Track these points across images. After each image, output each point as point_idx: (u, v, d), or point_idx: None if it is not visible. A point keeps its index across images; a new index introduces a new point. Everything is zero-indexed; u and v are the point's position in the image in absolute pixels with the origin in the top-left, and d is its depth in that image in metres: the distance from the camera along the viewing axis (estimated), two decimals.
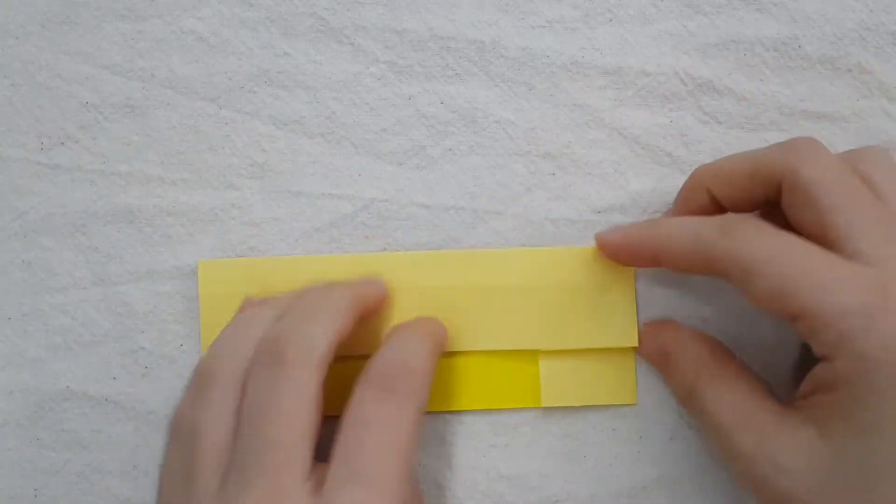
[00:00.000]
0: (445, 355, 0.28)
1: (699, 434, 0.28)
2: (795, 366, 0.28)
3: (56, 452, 0.28)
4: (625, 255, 0.26)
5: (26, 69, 0.29)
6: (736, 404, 0.24)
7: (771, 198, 0.24)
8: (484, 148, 0.29)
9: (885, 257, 0.21)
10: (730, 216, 0.24)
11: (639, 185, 0.29)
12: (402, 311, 0.27)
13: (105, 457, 0.28)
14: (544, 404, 0.28)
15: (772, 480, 0.22)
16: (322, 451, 0.23)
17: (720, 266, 0.23)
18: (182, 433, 0.24)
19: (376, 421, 0.23)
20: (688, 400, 0.25)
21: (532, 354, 0.28)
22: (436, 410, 0.28)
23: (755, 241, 0.22)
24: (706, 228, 0.24)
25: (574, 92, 0.29)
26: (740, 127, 0.29)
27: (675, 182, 0.29)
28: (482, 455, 0.28)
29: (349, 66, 0.29)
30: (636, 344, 0.28)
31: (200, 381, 0.24)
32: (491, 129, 0.29)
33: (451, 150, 0.29)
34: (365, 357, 0.25)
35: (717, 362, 0.25)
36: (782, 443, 0.22)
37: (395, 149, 0.29)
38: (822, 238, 0.22)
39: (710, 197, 0.26)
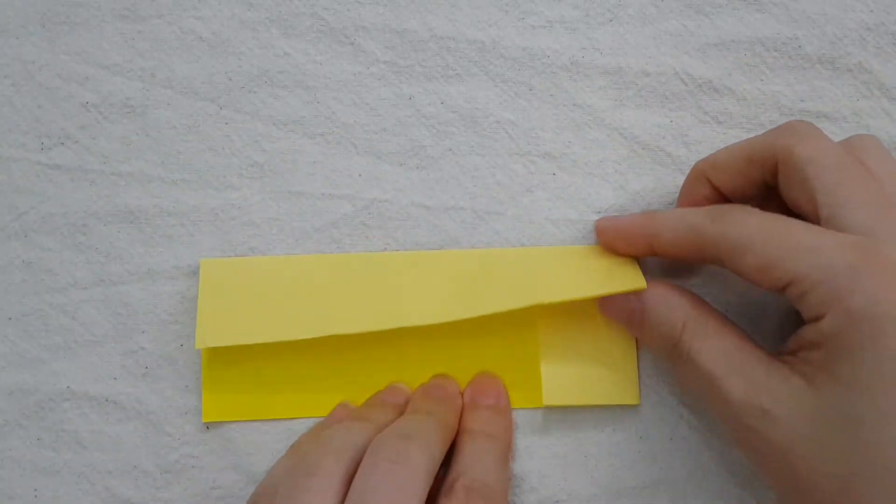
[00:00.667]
0: (446, 354, 0.28)
1: (699, 434, 0.28)
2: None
3: (56, 452, 0.28)
4: (621, 242, 0.27)
5: (26, 69, 0.29)
6: (726, 352, 0.24)
7: (768, 182, 0.25)
8: (484, 148, 0.29)
9: (875, 229, 0.22)
10: (718, 205, 0.25)
11: (639, 185, 0.29)
12: (401, 311, 0.27)
13: (105, 457, 0.28)
14: (546, 403, 0.28)
15: (760, 429, 0.22)
16: None
17: (712, 250, 0.24)
18: None
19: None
20: (672, 352, 0.25)
21: (534, 355, 0.28)
22: None
23: (742, 221, 0.23)
24: (698, 217, 0.24)
25: (574, 92, 0.29)
26: (740, 127, 0.29)
27: (675, 182, 0.29)
28: None
29: (349, 66, 0.29)
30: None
31: (303, 466, 0.24)
32: (491, 129, 0.29)
33: (451, 150, 0.29)
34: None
35: (701, 313, 0.25)
36: (772, 391, 0.22)
37: (396, 149, 0.29)
38: (815, 216, 0.23)
39: (711, 187, 0.26)
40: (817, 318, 0.22)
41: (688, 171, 0.29)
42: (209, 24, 0.29)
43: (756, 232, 0.23)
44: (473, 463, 0.25)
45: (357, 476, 0.23)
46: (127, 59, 0.29)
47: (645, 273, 0.27)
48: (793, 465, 0.22)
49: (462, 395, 0.28)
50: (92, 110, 0.29)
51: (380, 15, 0.29)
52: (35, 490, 0.28)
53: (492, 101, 0.29)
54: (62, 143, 0.29)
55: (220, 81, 0.29)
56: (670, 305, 0.26)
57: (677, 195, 0.29)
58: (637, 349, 0.28)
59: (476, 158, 0.29)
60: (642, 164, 0.29)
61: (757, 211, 0.24)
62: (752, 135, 0.29)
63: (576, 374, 0.28)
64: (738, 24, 0.29)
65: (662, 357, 0.27)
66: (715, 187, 0.26)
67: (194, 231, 0.29)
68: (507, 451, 0.27)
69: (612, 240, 0.27)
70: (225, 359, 0.28)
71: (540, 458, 0.28)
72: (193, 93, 0.29)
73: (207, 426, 0.28)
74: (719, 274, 0.29)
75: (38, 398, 0.28)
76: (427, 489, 0.23)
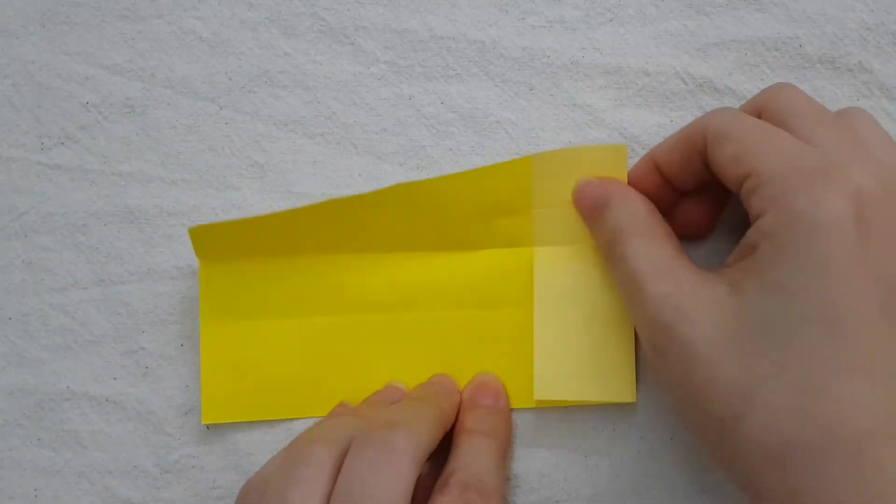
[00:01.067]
0: (444, 354, 0.28)
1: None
2: None
3: (56, 452, 0.28)
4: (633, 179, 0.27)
5: (26, 69, 0.29)
6: (657, 257, 0.24)
7: (704, 166, 0.25)
8: (484, 148, 0.29)
9: (832, 150, 0.22)
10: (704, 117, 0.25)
11: None
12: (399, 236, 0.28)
13: (105, 457, 0.28)
14: (537, 398, 0.28)
15: (672, 327, 0.22)
16: None
17: (699, 138, 0.24)
18: (262, 499, 0.24)
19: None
20: (612, 250, 0.25)
21: (531, 354, 0.28)
22: None
23: (731, 116, 0.24)
24: (690, 123, 0.25)
25: (574, 92, 0.29)
26: None
27: None
28: None
29: (349, 66, 0.29)
30: None
31: (293, 457, 0.24)
32: (491, 129, 0.29)
33: (451, 150, 0.29)
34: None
35: (651, 219, 0.25)
36: (695, 294, 0.22)
37: (396, 149, 0.29)
38: (735, 178, 0.23)
39: (661, 175, 0.26)
40: (760, 214, 0.22)
41: None
42: (209, 24, 0.29)
43: (738, 124, 0.23)
44: (470, 460, 0.25)
45: (344, 465, 0.23)
46: (127, 59, 0.29)
47: None
48: (696, 372, 0.21)
49: (461, 392, 0.28)
50: (92, 110, 0.29)
51: (380, 15, 0.29)
52: (35, 490, 0.28)
53: (492, 101, 0.29)
54: (62, 143, 0.29)
55: (220, 81, 0.29)
56: (628, 201, 0.26)
57: None
58: (637, 348, 0.28)
59: (476, 158, 0.29)
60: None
61: (745, 115, 0.24)
62: None
63: (570, 370, 0.28)
64: (738, 23, 0.29)
65: (602, 253, 0.27)
66: (663, 175, 0.26)
67: None
68: (504, 450, 0.27)
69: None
70: (224, 360, 0.28)
71: (540, 458, 0.28)
72: (193, 93, 0.29)
73: (207, 426, 0.28)
74: None
75: (38, 398, 0.28)
76: (415, 474, 0.23)
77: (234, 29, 0.29)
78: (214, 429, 0.28)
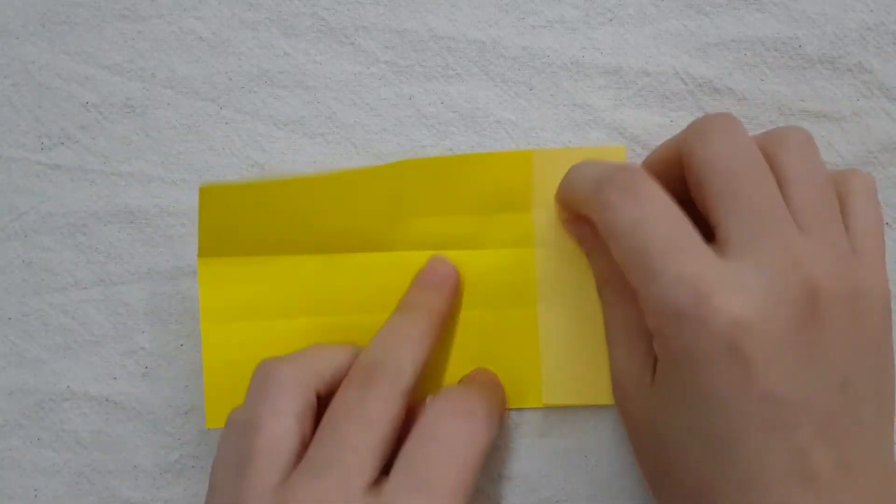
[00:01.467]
0: (445, 352, 0.28)
1: None
2: None
3: (56, 452, 0.28)
4: (559, 198, 0.27)
5: (26, 69, 0.29)
6: (623, 322, 0.25)
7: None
8: (484, 148, 0.29)
9: (744, 251, 0.22)
10: (609, 173, 0.23)
11: None
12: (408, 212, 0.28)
13: (105, 457, 0.28)
14: (545, 402, 0.28)
15: (619, 400, 0.25)
16: None
17: (592, 217, 0.24)
18: (239, 426, 0.24)
19: (446, 436, 0.23)
20: (598, 293, 0.27)
21: (533, 354, 0.28)
22: None
23: (615, 208, 0.22)
24: (586, 183, 0.24)
25: (574, 92, 0.29)
26: None
27: None
28: None
29: (349, 66, 0.29)
30: None
31: (265, 381, 0.24)
32: (491, 128, 0.29)
33: (451, 150, 0.29)
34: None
35: (621, 274, 0.25)
36: (639, 378, 0.24)
37: (396, 149, 0.29)
38: (707, 221, 0.23)
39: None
40: (655, 342, 0.23)
41: None
42: (209, 23, 0.29)
43: (622, 228, 0.22)
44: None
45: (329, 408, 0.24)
46: (127, 59, 0.29)
47: None
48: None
49: (458, 276, 0.28)
50: (92, 110, 0.29)
51: (380, 15, 0.29)
52: (35, 490, 0.28)
53: (492, 101, 0.29)
54: (62, 143, 0.29)
55: (220, 81, 0.29)
56: (604, 253, 0.26)
57: None
58: None
59: None
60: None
61: (640, 193, 0.23)
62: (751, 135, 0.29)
63: (576, 374, 0.28)
64: (738, 24, 0.29)
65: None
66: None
67: (194, 231, 0.29)
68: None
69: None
70: (226, 362, 0.28)
71: (540, 458, 0.28)
72: (193, 93, 0.29)
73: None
74: None
75: (38, 398, 0.28)
76: (403, 403, 0.24)
77: (234, 29, 0.29)
78: (215, 429, 0.28)
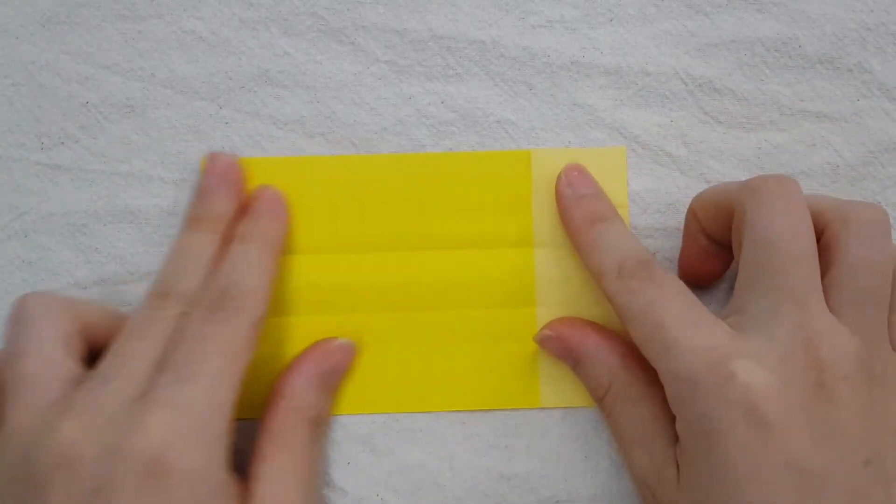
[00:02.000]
0: (443, 352, 0.28)
1: None
2: None
3: None
4: (571, 235, 0.27)
5: (26, 69, 0.29)
6: (641, 420, 0.25)
7: None
8: (484, 148, 0.29)
9: (763, 326, 0.22)
10: (628, 261, 0.25)
11: (639, 185, 0.29)
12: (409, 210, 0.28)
13: None
14: (543, 405, 0.28)
15: (645, 495, 0.24)
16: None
17: (609, 297, 0.25)
18: (2, 362, 0.24)
19: (203, 335, 0.24)
20: (599, 405, 0.26)
21: (531, 354, 0.28)
22: (435, 410, 0.28)
23: (631, 291, 0.24)
24: (607, 269, 0.25)
25: (574, 92, 0.29)
26: (740, 127, 0.29)
27: (674, 182, 0.29)
28: (482, 455, 0.28)
29: (349, 65, 0.29)
30: None
31: (23, 313, 0.24)
32: (491, 128, 0.29)
33: (451, 150, 0.29)
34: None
35: (628, 375, 0.25)
36: (659, 474, 0.24)
37: (396, 149, 0.29)
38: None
39: (699, 224, 0.26)
40: (677, 418, 0.23)
41: (688, 172, 0.29)
42: (209, 23, 0.29)
43: (637, 309, 0.23)
44: (226, 268, 0.26)
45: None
46: (127, 59, 0.29)
47: None
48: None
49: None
50: (92, 110, 0.29)
51: (380, 15, 0.29)
52: None
53: (492, 101, 0.29)
54: (62, 143, 0.29)
55: (220, 81, 0.29)
56: (600, 362, 0.26)
57: (677, 195, 0.29)
58: None
59: None
60: (642, 164, 0.29)
61: (655, 278, 0.24)
62: (751, 135, 0.29)
63: (574, 375, 0.28)
64: (738, 24, 0.29)
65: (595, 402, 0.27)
66: (701, 225, 0.26)
67: None
68: (270, 253, 0.27)
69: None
70: None
71: (540, 458, 0.28)
72: (193, 93, 0.29)
73: None
74: None
75: None
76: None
77: (234, 29, 0.29)
78: None
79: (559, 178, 0.28)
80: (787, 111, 0.29)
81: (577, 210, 0.27)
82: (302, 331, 0.28)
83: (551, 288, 0.28)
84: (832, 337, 0.22)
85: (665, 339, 0.22)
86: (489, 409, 0.28)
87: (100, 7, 0.29)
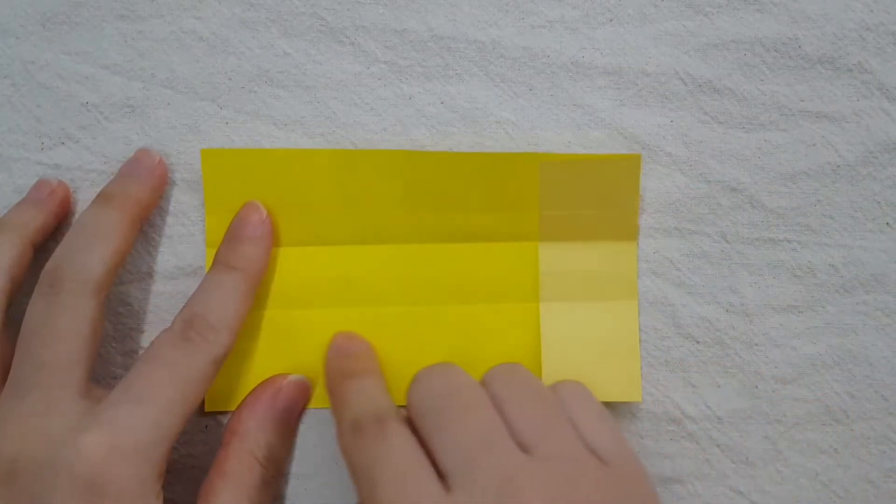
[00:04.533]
0: (446, 348, 0.28)
1: (700, 434, 0.28)
2: None
3: None
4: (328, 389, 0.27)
5: (26, 69, 0.29)
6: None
7: None
8: (484, 148, 0.29)
9: (458, 479, 0.22)
10: (384, 415, 0.24)
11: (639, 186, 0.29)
12: (405, 206, 0.28)
13: None
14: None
15: None
16: None
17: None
18: None
19: (165, 360, 0.24)
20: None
21: (535, 351, 0.28)
22: None
23: (366, 447, 0.23)
24: (365, 417, 0.24)
25: (574, 92, 0.29)
26: (740, 127, 0.29)
27: (675, 182, 0.29)
28: None
29: (349, 66, 0.29)
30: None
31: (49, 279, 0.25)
32: (491, 129, 0.29)
33: (451, 149, 0.29)
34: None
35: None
36: None
37: (396, 149, 0.29)
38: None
39: None
40: None
41: (688, 171, 0.29)
42: (209, 24, 0.29)
43: (367, 463, 0.23)
44: (202, 296, 0.26)
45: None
46: (127, 59, 0.29)
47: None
48: None
49: (161, 165, 0.28)
50: (92, 110, 0.29)
51: (380, 15, 0.29)
52: None
53: (492, 101, 0.29)
54: (62, 143, 0.29)
55: (220, 81, 0.29)
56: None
57: (676, 196, 0.29)
58: (639, 346, 0.28)
59: None
60: (642, 165, 0.29)
61: (399, 438, 0.23)
62: (751, 135, 0.29)
63: (577, 371, 0.28)
64: (738, 24, 0.29)
65: None
66: None
67: (194, 231, 0.29)
68: (251, 284, 0.26)
69: None
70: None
71: None
72: (193, 93, 0.29)
73: (206, 426, 0.28)
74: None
75: None
76: (95, 313, 0.25)
77: (234, 29, 0.29)
78: (214, 429, 0.28)
79: (329, 346, 0.28)
80: (787, 111, 0.29)
81: (333, 365, 0.27)
82: (307, 324, 0.28)
83: (555, 282, 0.28)
84: (529, 471, 0.21)
85: (377, 498, 0.22)
86: None
87: (100, 7, 0.29)
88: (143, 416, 0.23)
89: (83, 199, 0.29)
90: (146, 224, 0.29)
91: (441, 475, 0.22)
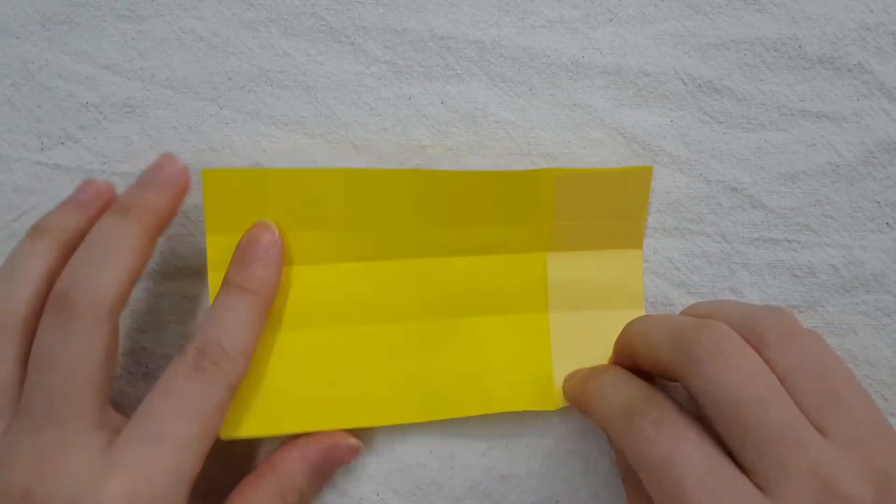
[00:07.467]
0: (455, 351, 0.28)
1: None
2: None
3: None
4: (574, 403, 0.27)
5: (26, 69, 0.29)
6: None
7: None
8: (484, 148, 0.29)
9: (771, 481, 0.21)
10: (638, 401, 0.23)
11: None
12: (412, 221, 0.27)
13: None
14: (561, 405, 0.27)
15: None
16: None
17: (620, 448, 0.23)
18: None
19: (180, 393, 0.23)
20: (618, 465, 0.26)
21: (545, 355, 0.28)
22: (451, 417, 0.28)
23: (647, 440, 0.22)
24: (615, 411, 0.23)
25: (574, 92, 0.29)
26: (740, 127, 0.29)
27: (675, 182, 0.29)
28: (482, 455, 0.28)
29: (349, 66, 0.29)
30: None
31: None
32: (491, 129, 0.29)
33: (451, 150, 0.29)
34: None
35: None
36: None
37: (396, 149, 0.29)
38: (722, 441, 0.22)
39: (631, 360, 0.25)
40: None
41: (688, 171, 0.29)
42: (209, 23, 0.29)
43: (653, 461, 0.21)
44: (215, 321, 0.25)
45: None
46: (127, 59, 0.29)
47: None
48: None
49: (184, 174, 0.26)
50: (92, 110, 0.29)
51: (380, 15, 0.29)
52: None
53: (492, 101, 0.29)
54: (62, 143, 0.29)
55: (220, 81, 0.29)
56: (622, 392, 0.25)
57: (676, 196, 0.29)
58: None
59: (476, 158, 0.29)
60: (642, 164, 0.29)
61: (668, 422, 0.22)
62: (751, 135, 0.29)
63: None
64: (738, 24, 0.29)
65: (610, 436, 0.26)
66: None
67: (195, 231, 0.29)
68: (263, 306, 0.26)
69: (571, 401, 0.27)
70: None
71: (540, 458, 0.28)
72: (193, 93, 0.29)
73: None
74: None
75: None
76: (109, 337, 0.23)
77: (234, 29, 0.29)
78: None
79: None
80: (787, 111, 0.29)
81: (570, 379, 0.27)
82: (316, 343, 0.27)
83: (565, 293, 0.28)
84: (843, 467, 0.21)
85: (685, 502, 0.21)
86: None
87: (100, 7, 0.29)
88: (162, 458, 0.22)
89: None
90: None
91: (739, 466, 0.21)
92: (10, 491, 0.22)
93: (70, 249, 0.25)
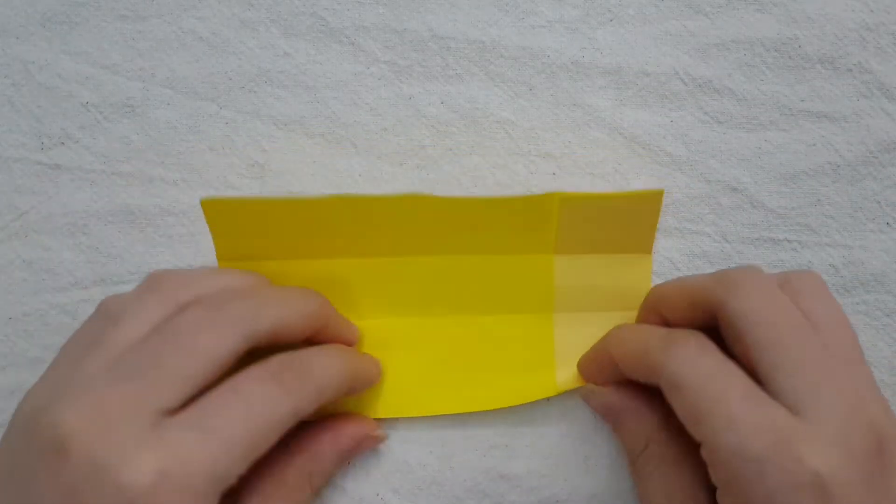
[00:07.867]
0: (465, 357, 0.28)
1: None
2: None
3: None
4: (593, 370, 0.27)
5: (26, 69, 0.29)
6: (674, 487, 0.24)
7: (714, 326, 0.24)
8: (484, 148, 0.29)
9: (805, 402, 0.22)
10: (677, 332, 0.24)
11: (639, 185, 0.29)
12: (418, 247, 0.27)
13: None
14: (561, 389, 0.28)
15: None
16: None
17: (656, 376, 0.23)
18: (106, 312, 0.24)
19: (246, 393, 0.23)
20: (632, 468, 0.26)
21: (548, 343, 0.28)
22: (453, 412, 0.28)
23: (688, 361, 0.23)
24: (653, 339, 0.24)
25: (574, 92, 0.29)
26: (740, 127, 0.29)
27: (675, 182, 0.29)
28: (482, 455, 0.28)
29: (349, 66, 0.29)
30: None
31: (151, 283, 0.25)
32: (491, 129, 0.29)
33: (451, 149, 0.29)
34: None
35: (666, 437, 0.25)
36: None
37: (396, 149, 0.29)
38: (752, 372, 0.23)
39: (663, 319, 0.26)
40: (721, 490, 0.22)
41: (688, 171, 0.29)
42: (209, 23, 0.29)
43: (694, 377, 0.22)
44: (312, 352, 0.25)
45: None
46: (127, 59, 0.29)
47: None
48: None
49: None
50: (92, 110, 0.29)
51: (380, 15, 0.29)
52: None
53: (492, 101, 0.29)
54: (62, 143, 0.29)
55: (220, 81, 0.29)
56: (640, 420, 0.26)
57: (676, 196, 0.29)
58: None
59: (476, 158, 0.29)
60: (642, 164, 0.29)
61: (709, 351, 0.23)
62: (751, 135, 0.29)
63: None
64: (738, 24, 0.29)
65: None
66: (666, 319, 0.26)
67: (194, 231, 0.29)
68: (355, 369, 0.26)
69: (587, 375, 0.27)
70: None
71: (540, 458, 0.28)
72: (193, 93, 0.29)
73: None
74: None
75: None
76: (234, 356, 0.23)
77: (234, 29, 0.29)
78: None
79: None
80: (787, 111, 0.29)
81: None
82: None
83: (570, 295, 0.28)
84: (871, 395, 0.22)
85: (727, 413, 0.22)
86: (489, 410, 0.28)
87: (100, 7, 0.29)
88: (204, 449, 0.21)
89: (83, 198, 0.29)
90: (146, 224, 0.29)
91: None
92: (51, 425, 0.21)
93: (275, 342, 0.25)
